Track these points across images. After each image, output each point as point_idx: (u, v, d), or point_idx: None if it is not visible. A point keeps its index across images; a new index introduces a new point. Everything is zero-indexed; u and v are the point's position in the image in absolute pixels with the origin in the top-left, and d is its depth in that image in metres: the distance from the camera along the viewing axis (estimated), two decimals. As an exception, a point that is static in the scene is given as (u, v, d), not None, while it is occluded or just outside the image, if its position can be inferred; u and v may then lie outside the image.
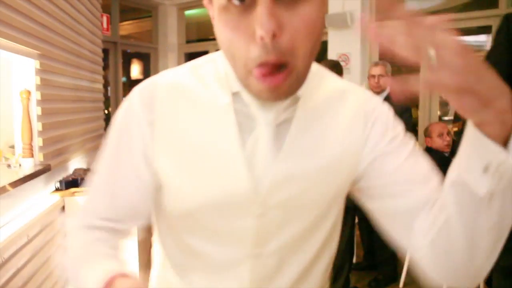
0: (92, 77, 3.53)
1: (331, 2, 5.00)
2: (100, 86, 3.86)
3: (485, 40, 4.48)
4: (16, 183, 1.85)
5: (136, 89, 0.69)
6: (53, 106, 2.47)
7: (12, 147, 2.77)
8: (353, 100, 0.71)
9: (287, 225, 0.69)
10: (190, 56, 6.90)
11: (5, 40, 1.79)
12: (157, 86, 0.68)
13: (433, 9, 5.48)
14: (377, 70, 3.26)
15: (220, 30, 0.58)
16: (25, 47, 2.01)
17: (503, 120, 0.46)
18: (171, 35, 6.69)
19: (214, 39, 0.99)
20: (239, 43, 0.56)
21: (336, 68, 2.91)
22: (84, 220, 0.71)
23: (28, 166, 2.11)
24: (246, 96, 0.64)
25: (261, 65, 0.55)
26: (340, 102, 0.70)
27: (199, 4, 6.16)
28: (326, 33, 5.07)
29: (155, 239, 0.80)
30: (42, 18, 2.27)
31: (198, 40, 6.88)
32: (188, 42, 6.81)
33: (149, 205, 0.72)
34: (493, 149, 0.48)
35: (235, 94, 0.66)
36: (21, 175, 1.94)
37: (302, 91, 0.64)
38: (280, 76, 0.55)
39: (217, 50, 0.68)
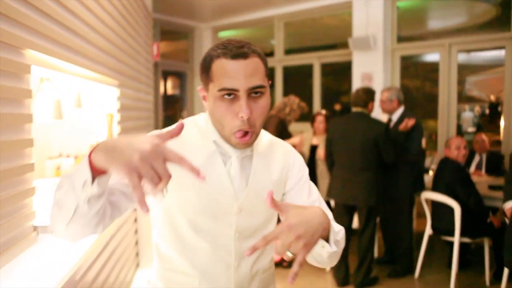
0: (146, 98, 4.09)
1: (355, 27, 5.46)
2: (151, 104, 4.42)
3: (503, 55, 4.80)
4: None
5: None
6: (128, 125, 3.02)
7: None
8: (281, 148, 1.19)
9: (254, 219, 1.11)
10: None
11: (99, 74, 2.33)
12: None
13: (456, 27, 5.84)
14: (381, 95, 3.75)
15: (215, 109, 1.00)
16: (111, 79, 2.55)
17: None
18: (206, 55, 7.26)
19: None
20: (227, 118, 0.99)
21: (369, 94, 3.40)
22: None
23: (110, 174, 2.64)
24: (221, 143, 1.06)
25: (239, 131, 0.99)
26: (274, 148, 1.18)
27: (232, 26, 6.68)
28: (351, 54, 5.53)
29: (158, 240, 1.13)
30: (120, 55, 2.82)
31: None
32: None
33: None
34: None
35: (216, 141, 1.07)
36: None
37: None
38: (247, 137, 1.01)
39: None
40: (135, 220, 3.24)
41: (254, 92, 0.99)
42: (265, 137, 1.19)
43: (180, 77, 7.58)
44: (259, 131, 1.04)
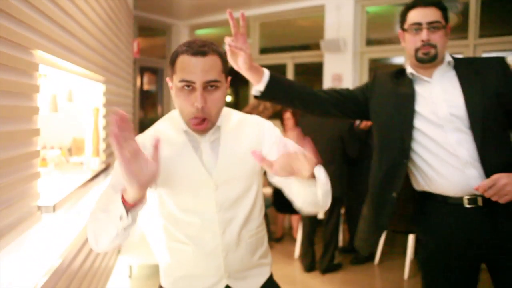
0: (126, 93, 4.25)
1: (327, 29, 5.74)
2: (130, 99, 4.59)
3: None
4: (93, 178, 2.54)
5: (142, 135, 1.28)
6: (111, 119, 3.19)
7: (69, 150, 3.49)
8: (251, 122, 1.35)
9: (231, 191, 1.27)
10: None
11: (89, 71, 2.51)
12: (148, 134, 1.29)
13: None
14: None
15: (176, 98, 1.21)
16: (98, 75, 2.73)
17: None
18: (183, 52, 7.42)
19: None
20: (185, 106, 1.18)
21: None
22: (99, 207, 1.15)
23: (96, 163, 2.82)
24: (190, 132, 1.25)
25: (195, 117, 1.18)
26: (244, 123, 1.34)
27: (209, 25, 6.86)
28: (322, 56, 5.82)
29: (155, 221, 1.33)
30: (106, 53, 3.00)
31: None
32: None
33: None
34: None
35: (186, 131, 1.26)
36: (94, 171, 2.65)
37: (220, 122, 1.27)
38: (203, 125, 1.19)
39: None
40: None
41: (209, 85, 1.18)
42: (235, 117, 1.36)
43: (156, 73, 7.71)
44: (215, 119, 1.24)
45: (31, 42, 1.57)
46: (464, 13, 5.13)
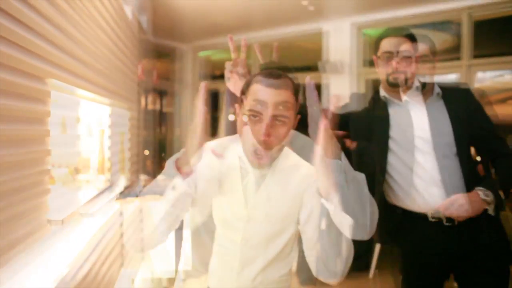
0: (131, 115, 4.44)
1: (325, 52, 5.92)
2: (135, 120, 4.77)
3: (455, 78, 5.28)
4: (98, 195, 2.70)
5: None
6: (116, 139, 3.37)
7: (76, 168, 3.65)
8: (304, 171, 1.24)
9: (262, 229, 1.21)
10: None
11: (95, 95, 2.69)
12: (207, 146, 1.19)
13: (420, 53, 6.29)
14: None
15: (242, 126, 1.16)
16: (105, 98, 2.92)
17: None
18: (186, 74, 7.67)
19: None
20: (250, 136, 1.13)
21: None
22: None
23: (101, 181, 2.98)
24: (244, 159, 1.21)
25: (255, 152, 1.13)
26: (297, 169, 1.25)
27: (211, 47, 7.06)
28: (321, 77, 6.00)
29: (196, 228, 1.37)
30: (112, 77, 3.19)
31: (210, 77, 7.91)
32: (201, 79, 7.77)
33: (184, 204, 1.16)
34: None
35: (240, 157, 1.23)
36: (99, 189, 2.81)
37: (276, 160, 1.22)
38: (262, 160, 1.14)
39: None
40: (121, 224, 3.56)
41: (277, 120, 1.12)
42: (292, 159, 1.29)
43: (160, 93, 7.92)
44: (275, 154, 1.19)
45: (44, 72, 1.75)
46: (458, 34, 5.26)
